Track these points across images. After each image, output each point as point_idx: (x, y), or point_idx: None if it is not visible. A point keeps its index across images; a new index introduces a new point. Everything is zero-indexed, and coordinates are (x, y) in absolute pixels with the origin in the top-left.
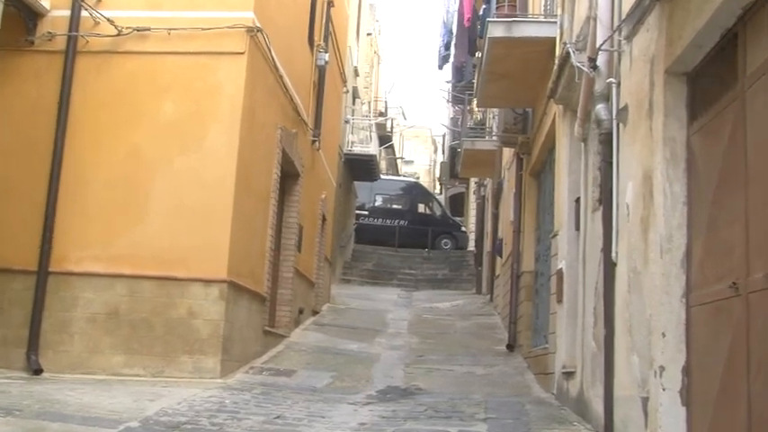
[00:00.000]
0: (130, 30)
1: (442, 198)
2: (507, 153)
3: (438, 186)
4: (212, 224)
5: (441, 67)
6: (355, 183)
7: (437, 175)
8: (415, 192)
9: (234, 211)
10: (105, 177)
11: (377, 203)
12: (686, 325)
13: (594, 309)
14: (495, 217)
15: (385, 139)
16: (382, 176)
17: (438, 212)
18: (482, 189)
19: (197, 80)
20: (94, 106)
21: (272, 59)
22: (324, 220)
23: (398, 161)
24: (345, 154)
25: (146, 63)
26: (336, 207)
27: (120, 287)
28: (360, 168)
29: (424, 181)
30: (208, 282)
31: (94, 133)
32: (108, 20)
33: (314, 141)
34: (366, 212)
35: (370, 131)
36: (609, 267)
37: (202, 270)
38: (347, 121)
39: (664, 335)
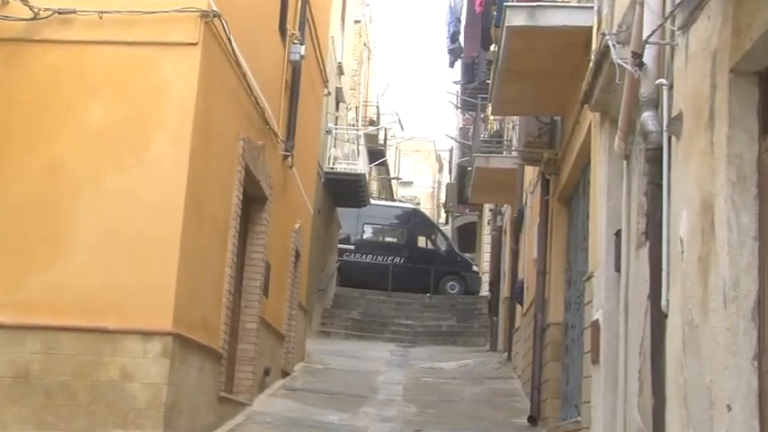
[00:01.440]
0: (50, 12)
1: (447, 229)
2: (530, 173)
3: (443, 215)
4: (154, 260)
5: (451, 65)
6: (338, 210)
7: (442, 200)
8: (413, 221)
9: (182, 244)
10: (16, 198)
11: (365, 236)
12: (759, 395)
13: (640, 372)
14: (515, 254)
15: (377, 155)
16: (372, 202)
17: (443, 247)
18: (498, 218)
19: (136, 77)
20: (3, 108)
21: (233, 52)
22: (297, 256)
23: (393, 182)
24: (326, 173)
25: (70, 55)
26: (314, 240)
27: (32, 342)
28: (344, 191)
29: (426, 207)
30: (148, 334)
31: (3, 142)
32: None
33: (286, 156)
34: (352, 247)
35: (358, 144)
36: (658, 319)
37: (141, 319)
38: (329, 132)
39: (729, 408)
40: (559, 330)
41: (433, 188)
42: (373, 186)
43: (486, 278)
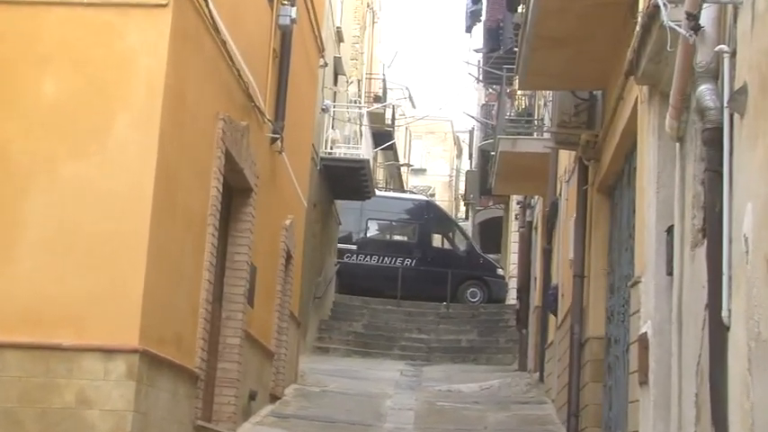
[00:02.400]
0: None
1: (467, 225)
2: (565, 158)
3: (462, 208)
4: (117, 264)
5: (469, 30)
6: (338, 203)
7: (461, 191)
8: (427, 216)
9: (151, 245)
10: None
11: (370, 234)
12: None
13: (697, 396)
14: (548, 254)
15: (383, 138)
16: (378, 193)
17: (462, 247)
18: (528, 212)
19: (96, 46)
20: None
21: (210, 16)
22: (289, 258)
23: (403, 170)
24: (323, 159)
25: (17, 18)
26: (309, 239)
27: None
28: (345, 181)
29: (442, 200)
30: (109, 352)
31: None
32: None
33: (274, 139)
34: (354, 247)
35: (361, 125)
36: (718, 333)
37: (101, 334)
38: (326, 110)
39: None
40: (600, 346)
41: (451, 177)
42: (379, 175)
43: (513, 283)
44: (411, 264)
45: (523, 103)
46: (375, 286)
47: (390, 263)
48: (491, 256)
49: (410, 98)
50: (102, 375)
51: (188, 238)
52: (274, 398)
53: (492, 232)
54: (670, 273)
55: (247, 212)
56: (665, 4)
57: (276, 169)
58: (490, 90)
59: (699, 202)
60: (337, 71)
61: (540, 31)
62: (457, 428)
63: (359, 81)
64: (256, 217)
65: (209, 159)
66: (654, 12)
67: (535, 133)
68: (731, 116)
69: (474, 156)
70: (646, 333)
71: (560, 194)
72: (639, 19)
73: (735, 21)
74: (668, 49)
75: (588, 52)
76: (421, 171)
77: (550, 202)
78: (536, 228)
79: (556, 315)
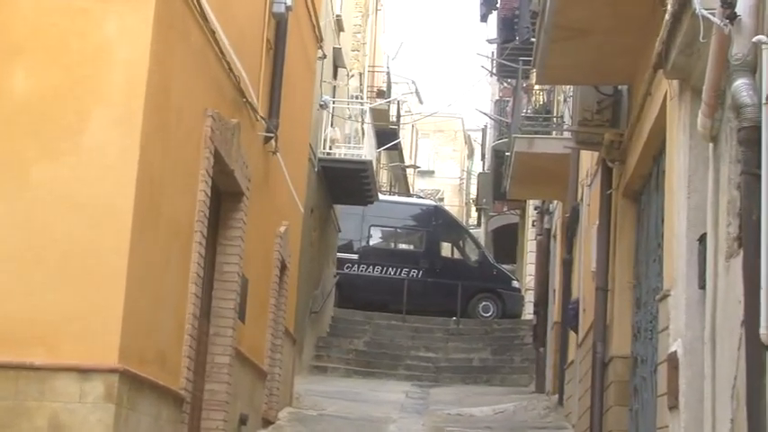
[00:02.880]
0: None
1: (480, 233)
2: (587, 160)
3: (474, 214)
4: (95, 275)
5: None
6: (337, 208)
7: (473, 195)
8: (436, 222)
9: (132, 256)
10: None
11: (373, 242)
12: None
13: (732, 422)
14: (568, 265)
15: (387, 137)
16: (382, 197)
17: (474, 257)
18: (546, 219)
19: (70, 35)
20: None
21: (198, 2)
22: (283, 268)
23: (409, 172)
24: (322, 160)
25: None
26: (305, 248)
27: None
28: (345, 184)
29: (452, 204)
30: (86, 372)
31: None
32: None
33: (268, 139)
34: (355, 256)
35: (363, 123)
36: (755, 352)
37: (77, 352)
38: (324, 106)
39: None
40: (626, 366)
41: (461, 180)
42: (383, 177)
43: (529, 297)
44: (418, 275)
45: (541, 99)
46: (378, 299)
47: (395, 274)
48: (505, 266)
49: (417, 93)
50: (78, 398)
51: (173, 246)
52: (267, 422)
53: (506, 240)
54: (702, 286)
55: (238, 219)
56: None
57: (270, 171)
58: (505, 84)
59: (734, 209)
60: (337, 63)
61: (559, 20)
62: None
63: (360, 74)
64: (248, 224)
65: (196, 161)
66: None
67: (554, 132)
68: None
69: (487, 156)
70: (675, 352)
71: (582, 199)
72: (669, 7)
73: None
74: (701, 40)
75: (612, 43)
76: (429, 173)
77: (571, 207)
78: (555, 236)
79: (576, 332)
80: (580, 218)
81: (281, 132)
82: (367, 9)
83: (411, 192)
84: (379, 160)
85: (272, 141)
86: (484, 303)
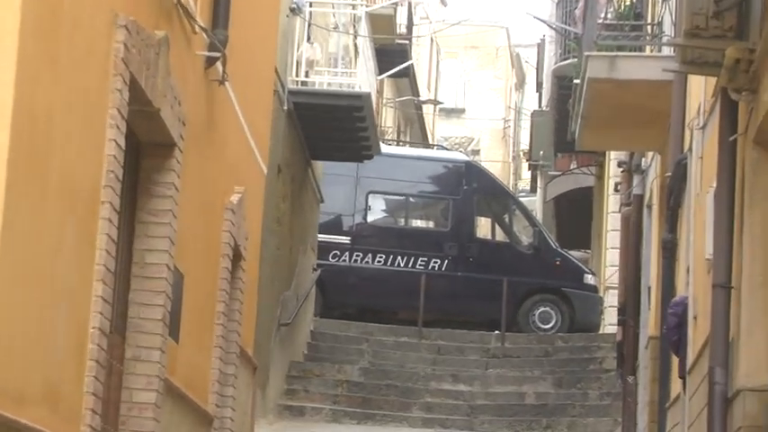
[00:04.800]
0: None
1: (535, 203)
2: (698, 89)
3: (526, 174)
4: None
5: None
6: (318, 166)
7: (523, 146)
8: (468, 188)
9: (3, 235)
10: None
11: (372, 217)
12: None
13: None
14: (670, 250)
15: (392, 58)
16: (386, 150)
17: (526, 239)
18: (636, 181)
19: None
20: None
21: None
22: (237, 259)
23: (428, 111)
24: (294, 93)
25: None
26: (271, 227)
27: None
28: (329, 130)
29: (492, 160)
30: None
31: None
32: None
33: (212, 62)
34: (346, 239)
35: (356, 36)
36: None
37: None
38: (297, 11)
39: None
40: (762, 403)
41: (506, 122)
42: (387, 119)
43: (611, 299)
44: (441, 267)
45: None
46: (381, 304)
47: (407, 266)
48: (574, 253)
49: None
50: None
51: (67, 224)
52: None
53: (575, 214)
54: None
55: (167, 184)
56: None
57: (215, 111)
58: None
59: None
60: None
61: None
62: None
63: None
64: (182, 191)
65: (101, 95)
66: None
67: (648, 48)
68: None
69: (545, 87)
70: None
71: (691, 150)
72: None
73: None
74: None
75: None
76: (457, 113)
77: (674, 162)
78: (650, 206)
79: (677, 352)
80: (688, 179)
81: (231, 51)
82: None
83: (430, 141)
84: (381, 93)
85: (219, 65)
86: (542, 310)
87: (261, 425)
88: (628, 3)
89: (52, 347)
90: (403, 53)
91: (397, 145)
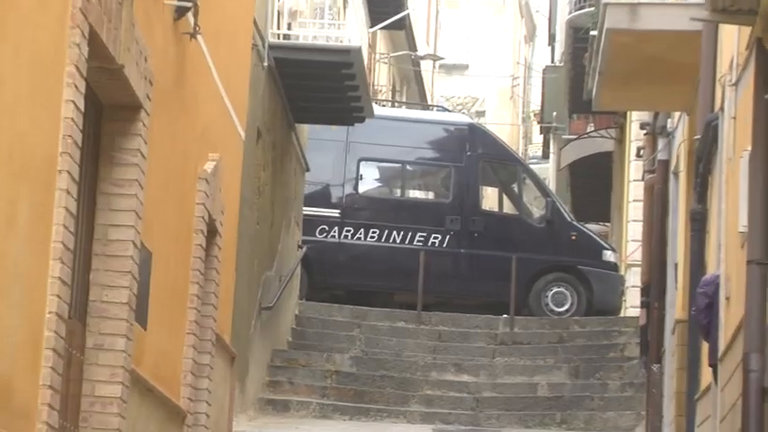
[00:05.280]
0: None
1: (548, 170)
2: (730, 41)
3: (537, 138)
4: None
5: None
6: (303, 129)
7: (534, 106)
8: (472, 153)
9: None
10: None
11: (365, 187)
12: None
13: None
14: (700, 223)
15: (386, 8)
16: (379, 112)
17: (538, 211)
18: (661, 145)
19: None
20: None
21: None
22: (212, 235)
23: (426, 67)
24: (275, 48)
25: None
26: (250, 199)
27: None
28: (315, 90)
29: (499, 123)
30: None
31: None
32: None
33: (183, 12)
34: (335, 213)
35: None
36: None
37: None
38: None
39: None
40: None
41: (515, 80)
42: (381, 77)
43: (633, 278)
44: (442, 243)
45: None
46: (375, 285)
47: (403, 242)
48: (591, 226)
49: None
50: None
51: (20, 198)
52: None
53: (592, 183)
54: None
55: (133, 150)
56: None
57: (187, 68)
58: None
59: None
60: None
61: None
62: None
63: None
64: (150, 158)
65: (56, 50)
66: None
67: None
68: None
69: (558, 39)
70: None
71: (722, 110)
72: None
73: None
74: None
75: None
76: (459, 69)
77: (704, 123)
78: (677, 173)
79: (707, 338)
80: (720, 142)
81: (203, 1)
82: None
83: (429, 102)
84: (374, 48)
85: (190, 16)
86: (556, 290)
87: (240, 421)
88: None
89: (3, 335)
90: (398, 2)
91: (392, 106)
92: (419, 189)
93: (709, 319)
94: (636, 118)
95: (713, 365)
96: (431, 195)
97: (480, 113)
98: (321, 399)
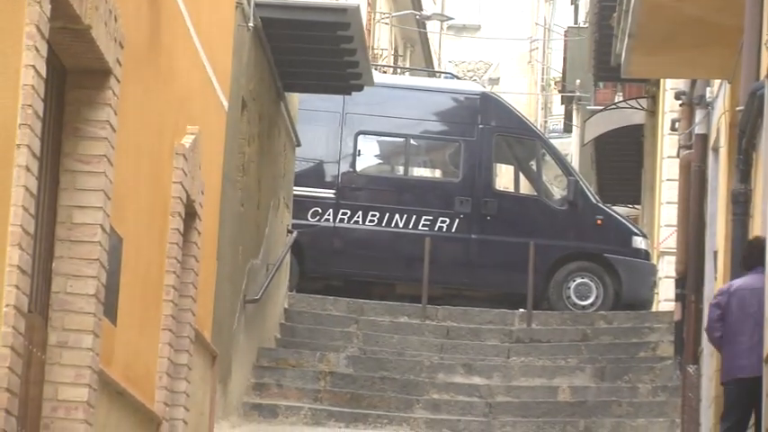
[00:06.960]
0: None
1: (569, 144)
2: None
3: (558, 108)
4: None
5: None
6: (293, 98)
7: (555, 73)
8: (485, 126)
9: None
10: None
11: (363, 165)
12: None
13: None
14: (743, 205)
15: None
16: (380, 79)
17: (559, 191)
18: (699, 117)
19: None
20: None
21: None
22: (191, 218)
23: (433, 28)
24: (262, 6)
25: None
26: (234, 178)
27: None
28: (307, 54)
29: (515, 92)
30: None
31: None
32: None
33: None
34: (330, 193)
35: None
36: None
37: None
38: None
39: None
40: None
41: (533, 42)
42: (382, 40)
43: (667, 268)
44: (450, 227)
45: None
46: (374, 275)
47: (407, 226)
48: (619, 209)
49: None
50: None
51: None
52: None
53: (621, 160)
54: None
55: (101, 122)
56: None
57: (162, 30)
58: None
59: None
60: None
61: None
62: None
63: None
64: (120, 131)
65: (14, 8)
66: None
67: None
68: None
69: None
70: None
71: None
72: None
73: None
74: None
75: None
76: (470, 30)
77: (748, 93)
78: (716, 149)
79: (721, 351)
80: (766, 113)
81: None
82: None
83: (437, 68)
84: (373, 6)
85: None
86: (579, 281)
87: (222, 428)
88: None
89: None
90: None
91: (395, 73)
92: (425, 166)
93: (722, 333)
94: (670, 86)
95: (726, 383)
96: (438, 174)
97: (494, 81)
98: (313, 403)
